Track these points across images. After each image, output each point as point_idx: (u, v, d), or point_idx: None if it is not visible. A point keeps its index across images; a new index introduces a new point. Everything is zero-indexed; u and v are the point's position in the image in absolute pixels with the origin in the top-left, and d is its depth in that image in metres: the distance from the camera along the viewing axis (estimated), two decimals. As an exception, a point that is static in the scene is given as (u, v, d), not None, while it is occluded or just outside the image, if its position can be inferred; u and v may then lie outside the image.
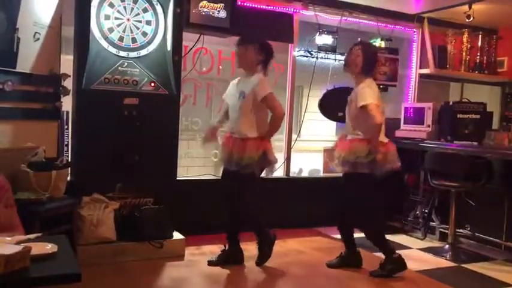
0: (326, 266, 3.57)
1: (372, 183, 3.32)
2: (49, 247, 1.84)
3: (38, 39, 3.35)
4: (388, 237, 4.48)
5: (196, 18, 3.93)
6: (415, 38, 5.35)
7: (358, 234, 3.60)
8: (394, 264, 3.45)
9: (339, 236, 3.71)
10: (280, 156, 4.77)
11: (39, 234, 2.07)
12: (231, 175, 3.34)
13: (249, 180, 3.27)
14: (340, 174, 3.51)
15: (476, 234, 4.22)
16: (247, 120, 3.32)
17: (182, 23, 3.82)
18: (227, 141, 3.41)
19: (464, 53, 5.41)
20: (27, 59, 3.30)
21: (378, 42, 5.03)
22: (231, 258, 3.46)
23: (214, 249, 3.60)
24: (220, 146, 3.53)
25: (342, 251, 3.62)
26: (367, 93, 3.28)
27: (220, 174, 3.58)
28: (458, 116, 4.41)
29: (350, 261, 3.57)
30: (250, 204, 3.36)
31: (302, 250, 4.02)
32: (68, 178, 3.47)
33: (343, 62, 3.61)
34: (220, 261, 3.45)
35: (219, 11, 4.00)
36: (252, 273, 3.38)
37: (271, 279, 3.31)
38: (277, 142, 4.83)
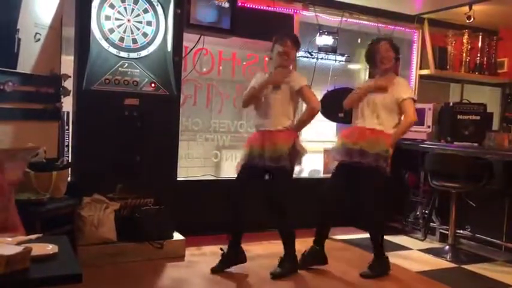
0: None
1: (385, 179, 3.36)
2: (50, 248, 1.84)
3: (39, 39, 3.35)
4: (388, 238, 4.51)
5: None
6: (415, 39, 5.35)
7: (357, 236, 3.60)
8: (384, 266, 3.48)
9: (338, 237, 3.70)
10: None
11: (40, 235, 2.07)
12: (255, 173, 3.31)
13: (282, 175, 3.28)
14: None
15: (477, 235, 4.22)
16: (279, 113, 3.33)
17: (183, 23, 3.83)
18: (256, 137, 3.37)
19: (464, 54, 5.41)
20: (27, 60, 3.30)
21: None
22: (233, 261, 3.43)
23: (215, 250, 3.59)
24: (247, 146, 3.40)
25: (306, 249, 3.60)
26: (408, 87, 3.45)
27: (239, 173, 3.41)
28: (459, 116, 4.41)
29: (319, 258, 3.57)
30: (287, 202, 3.34)
31: (302, 251, 4.01)
32: (69, 179, 3.47)
33: (366, 60, 3.66)
34: (224, 265, 3.40)
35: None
36: (251, 273, 3.38)
37: (269, 280, 3.30)
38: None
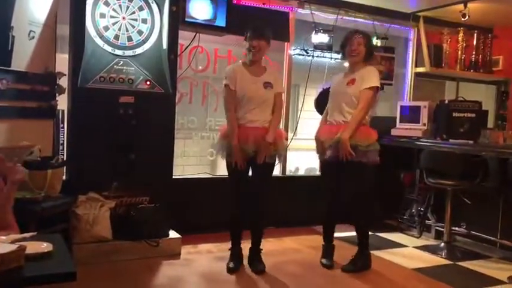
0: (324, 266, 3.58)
1: (372, 173, 3.40)
2: (44, 246, 1.83)
3: (33, 37, 3.34)
4: (384, 235, 4.54)
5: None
6: (410, 37, 5.36)
7: (352, 233, 3.60)
8: (366, 261, 3.53)
9: (335, 235, 3.70)
10: (276, 155, 4.78)
11: (35, 233, 2.06)
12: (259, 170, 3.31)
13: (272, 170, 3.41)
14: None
15: (472, 232, 4.24)
16: (270, 110, 3.35)
17: (178, 21, 3.82)
18: (250, 132, 3.27)
19: (459, 52, 5.43)
20: (22, 58, 3.28)
21: (374, 41, 5.04)
22: (241, 256, 3.46)
23: (211, 248, 3.60)
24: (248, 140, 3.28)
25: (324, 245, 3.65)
26: (376, 76, 3.39)
27: (238, 175, 3.31)
28: (454, 114, 4.41)
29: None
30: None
31: (298, 248, 4.03)
32: (64, 177, 3.46)
33: (341, 51, 3.64)
34: (239, 263, 3.41)
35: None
36: (248, 271, 3.38)
37: (267, 277, 3.31)
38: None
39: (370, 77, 3.36)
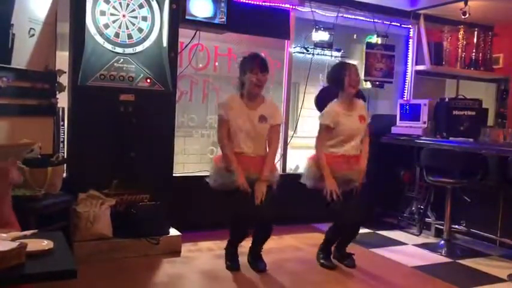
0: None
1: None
2: (45, 243, 1.84)
3: (33, 35, 3.34)
4: (384, 233, 4.55)
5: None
6: (411, 35, 5.36)
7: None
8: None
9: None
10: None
11: (35, 231, 2.07)
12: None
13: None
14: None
15: (472, 230, 4.24)
16: (266, 142, 3.39)
17: (178, 19, 3.81)
18: (246, 160, 3.28)
19: (460, 50, 5.42)
20: (22, 55, 3.28)
21: (374, 39, 5.04)
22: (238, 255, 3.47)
23: (211, 246, 3.60)
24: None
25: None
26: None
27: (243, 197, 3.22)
28: (454, 112, 4.42)
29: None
30: None
31: (298, 246, 4.03)
32: (64, 174, 3.46)
33: (335, 84, 3.53)
34: (238, 262, 3.42)
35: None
36: (247, 269, 3.38)
37: (267, 275, 3.31)
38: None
39: (368, 116, 3.54)
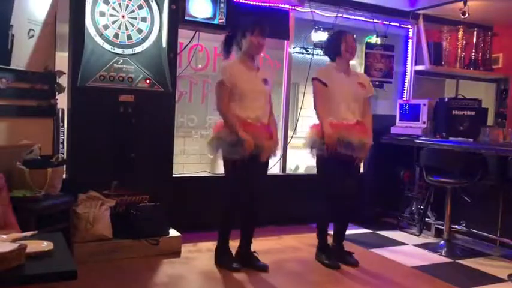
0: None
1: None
2: (45, 245, 1.84)
3: (33, 36, 3.33)
4: (383, 233, 4.55)
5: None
6: (410, 35, 5.36)
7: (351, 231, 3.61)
8: None
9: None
10: (276, 153, 4.78)
11: (35, 232, 2.07)
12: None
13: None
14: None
15: (472, 230, 4.24)
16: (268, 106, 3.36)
17: (178, 19, 3.81)
18: (250, 128, 3.18)
19: (459, 50, 5.43)
20: (21, 56, 3.28)
21: (374, 39, 5.04)
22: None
23: (211, 246, 3.59)
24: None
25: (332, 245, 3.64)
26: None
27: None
28: (454, 112, 4.42)
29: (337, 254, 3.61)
30: None
31: (298, 246, 4.03)
32: (64, 175, 3.46)
33: (330, 51, 3.57)
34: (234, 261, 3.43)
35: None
36: (248, 268, 3.38)
37: (267, 275, 3.31)
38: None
39: (371, 85, 3.51)
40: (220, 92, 3.21)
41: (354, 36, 3.53)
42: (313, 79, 3.49)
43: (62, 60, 3.58)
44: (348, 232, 3.75)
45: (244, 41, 3.23)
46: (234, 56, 3.35)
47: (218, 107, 3.22)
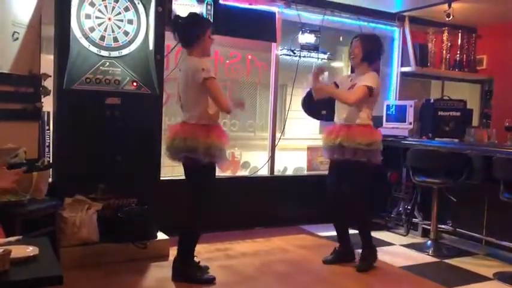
0: (322, 262, 3.63)
1: (370, 173, 3.53)
2: (30, 250, 1.81)
3: (17, 38, 3.30)
4: (371, 233, 4.55)
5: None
6: (396, 37, 5.41)
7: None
8: (374, 254, 3.60)
9: (323, 234, 3.74)
10: (264, 155, 4.79)
11: (20, 237, 2.04)
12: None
13: None
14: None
15: (458, 229, 4.29)
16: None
17: (164, 22, 3.80)
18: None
19: (444, 51, 5.50)
20: (6, 59, 3.24)
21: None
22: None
23: (198, 249, 3.58)
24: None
25: (336, 246, 3.68)
26: (373, 78, 3.47)
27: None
28: (439, 113, 4.47)
29: (344, 257, 3.65)
30: None
31: (286, 248, 4.04)
32: (50, 179, 3.43)
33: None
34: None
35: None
36: (236, 271, 3.38)
37: (255, 276, 3.32)
38: (262, 141, 4.84)
39: (366, 78, 3.47)
40: (217, 87, 3.09)
41: (354, 39, 3.65)
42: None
43: (47, 62, 3.54)
44: (334, 233, 3.77)
45: (205, 37, 3.15)
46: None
47: (223, 104, 3.11)
